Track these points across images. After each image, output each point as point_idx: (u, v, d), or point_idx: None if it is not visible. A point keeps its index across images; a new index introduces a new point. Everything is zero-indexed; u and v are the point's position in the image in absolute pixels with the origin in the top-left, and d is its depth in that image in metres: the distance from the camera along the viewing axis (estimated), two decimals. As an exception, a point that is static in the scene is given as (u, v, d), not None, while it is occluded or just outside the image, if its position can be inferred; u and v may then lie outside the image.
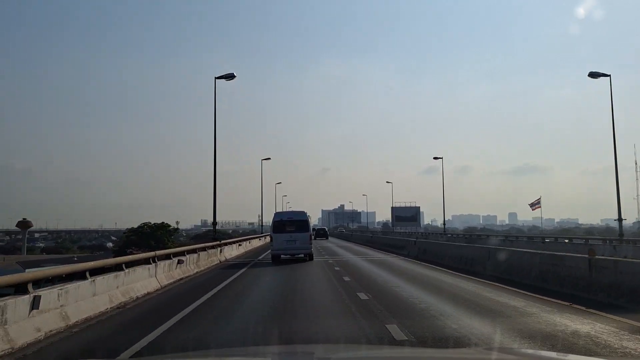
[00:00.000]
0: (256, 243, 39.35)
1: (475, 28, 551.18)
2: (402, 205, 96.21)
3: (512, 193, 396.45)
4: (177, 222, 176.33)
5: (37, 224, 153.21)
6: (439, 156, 45.35)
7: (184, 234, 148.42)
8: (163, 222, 50.48)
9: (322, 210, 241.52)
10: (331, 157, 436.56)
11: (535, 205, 39.54)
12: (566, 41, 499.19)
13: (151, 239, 44.20)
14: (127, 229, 55.45)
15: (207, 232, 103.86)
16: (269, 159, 49.02)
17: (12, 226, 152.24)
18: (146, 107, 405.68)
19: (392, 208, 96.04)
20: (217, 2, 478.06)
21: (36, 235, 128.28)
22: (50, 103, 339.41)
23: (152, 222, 49.79)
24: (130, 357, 6.06)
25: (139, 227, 49.19)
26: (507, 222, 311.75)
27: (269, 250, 23.87)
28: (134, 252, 18.51)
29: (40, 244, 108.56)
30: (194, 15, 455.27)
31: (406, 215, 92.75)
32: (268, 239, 41.83)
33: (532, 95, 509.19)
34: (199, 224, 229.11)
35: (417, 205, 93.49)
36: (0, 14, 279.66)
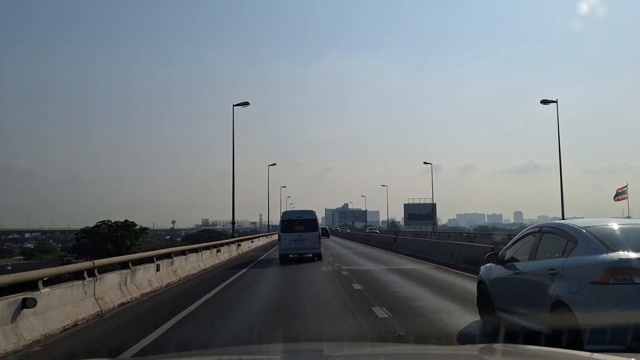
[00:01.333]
0: (191, 266, 16.14)
1: (479, 26, 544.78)
2: (417, 202, 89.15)
3: (516, 192, 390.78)
4: (173, 222, 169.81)
5: (31, 223, 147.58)
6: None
7: (182, 233, 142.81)
8: (126, 220, 39.66)
9: (326, 209, 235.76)
10: (334, 156, 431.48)
11: (620, 195, 31.72)
12: (569, 40, 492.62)
13: (109, 242, 35.28)
14: (81, 228, 43.63)
15: (201, 232, 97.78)
16: (247, 103, 31.37)
17: (15, 226, 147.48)
18: (149, 107, 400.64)
19: (405, 205, 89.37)
20: (218, 1, 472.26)
21: (26, 235, 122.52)
22: (52, 103, 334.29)
23: (113, 221, 38.89)
24: (132, 356, 5.87)
25: (95, 226, 38.80)
26: (512, 221, 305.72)
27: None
28: (72, 261, 12.23)
29: (30, 245, 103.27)
30: (196, 14, 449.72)
31: (420, 213, 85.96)
32: (244, 247, 29.98)
33: (535, 93, 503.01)
34: (200, 223, 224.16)
35: (432, 202, 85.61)
36: (4, 14, 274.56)
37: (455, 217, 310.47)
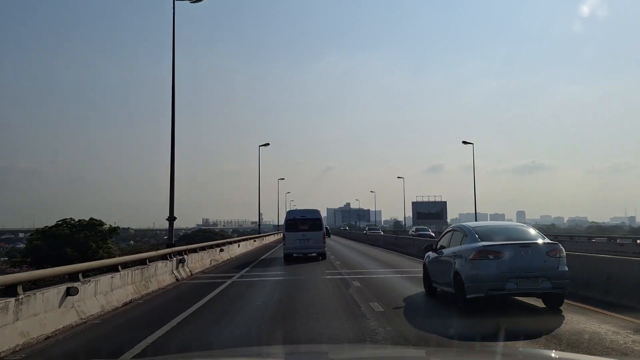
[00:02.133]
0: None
1: (479, 26, 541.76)
2: (425, 200, 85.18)
3: (518, 192, 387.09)
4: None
5: (29, 223, 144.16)
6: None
7: (181, 233, 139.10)
8: (92, 219, 34.13)
9: (328, 209, 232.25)
10: (335, 155, 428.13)
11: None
12: (569, 40, 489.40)
13: (69, 246, 30.66)
14: (36, 228, 37.66)
15: (197, 232, 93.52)
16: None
17: (15, 226, 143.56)
18: (149, 107, 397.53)
19: (414, 203, 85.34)
20: (218, 1, 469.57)
21: (20, 235, 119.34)
22: (53, 103, 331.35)
23: (77, 219, 33.32)
24: (133, 357, 5.77)
25: (54, 225, 34.00)
26: (515, 221, 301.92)
27: None
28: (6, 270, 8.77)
29: (22, 245, 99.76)
30: (196, 14, 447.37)
31: (430, 212, 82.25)
32: (199, 263, 19.85)
33: (537, 93, 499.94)
34: (201, 223, 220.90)
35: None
36: (4, 14, 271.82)
37: (457, 217, 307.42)
